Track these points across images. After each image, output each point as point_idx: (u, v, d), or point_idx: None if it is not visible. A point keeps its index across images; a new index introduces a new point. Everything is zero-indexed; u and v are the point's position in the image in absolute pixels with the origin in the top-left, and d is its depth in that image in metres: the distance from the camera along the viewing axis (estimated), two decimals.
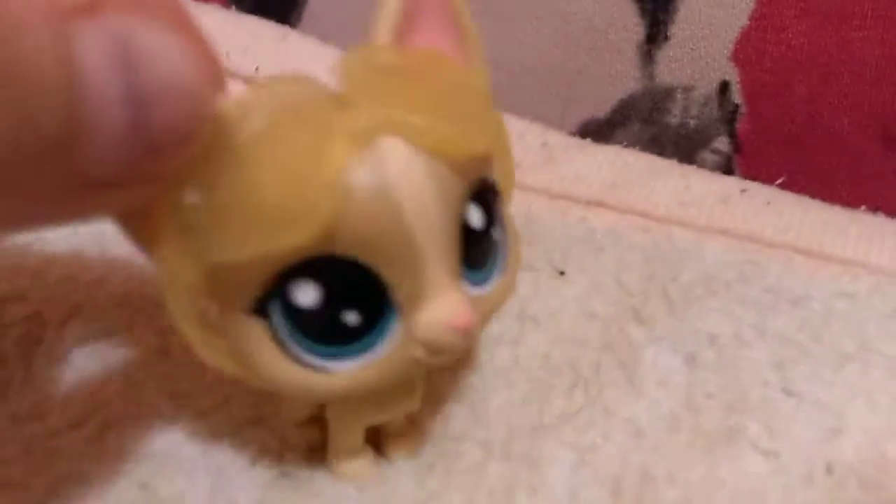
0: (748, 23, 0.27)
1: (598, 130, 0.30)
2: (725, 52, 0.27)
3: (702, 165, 0.29)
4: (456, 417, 0.18)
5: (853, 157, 0.28)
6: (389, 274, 0.14)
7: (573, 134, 0.30)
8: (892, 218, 0.23)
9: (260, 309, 0.14)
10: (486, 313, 0.16)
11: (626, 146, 0.25)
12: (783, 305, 0.20)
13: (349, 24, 0.33)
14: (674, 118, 0.29)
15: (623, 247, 0.22)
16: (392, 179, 0.13)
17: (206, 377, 0.19)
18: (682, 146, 0.29)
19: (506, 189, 0.16)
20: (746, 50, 0.27)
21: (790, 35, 0.27)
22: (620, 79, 0.29)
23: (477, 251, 0.15)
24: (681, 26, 0.27)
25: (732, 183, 0.24)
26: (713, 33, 0.27)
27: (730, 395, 0.18)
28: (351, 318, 0.14)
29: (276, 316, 0.14)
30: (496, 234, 0.15)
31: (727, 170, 0.29)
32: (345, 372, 0.14)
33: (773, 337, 0.19)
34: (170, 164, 0.13)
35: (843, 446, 0.18)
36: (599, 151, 0.25)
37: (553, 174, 0.24)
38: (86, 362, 0.19)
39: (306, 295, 0.14)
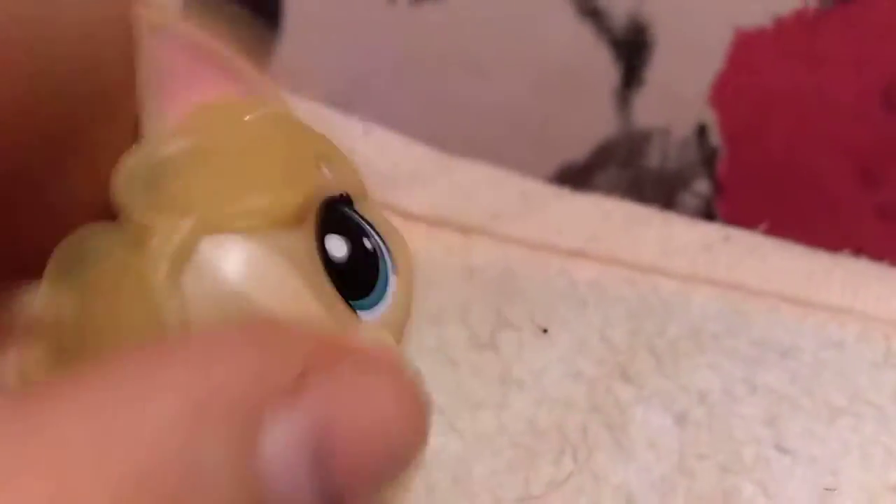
0: (724, 66, 0.27)
1: (577, 175, 0.29)
2: (702, 95, 0.27)
3: (682, 208, 0.29)
4: (439, 488, 0.18)
5: (832, 197, 0.28)
6: None
7: (551, 178, 0.30)
8: (875, 262, 0.23)
9: None
10: (399, 324, 0.14)
11: (605, 192, 0.25)
12: (772, 357, 0.20)
13: (320, 73, 0.32)
14: (652, 161, 0.28)
15: (607, 301, 0.21)
16: (229, 276, 0.12)
17: None
18: (662, 189, 0.29)
19: (359, 190, 0.15)
20: (724, 92, 0.27)
21: (766, 78, 0.27)
22: (597, 123, 0.28)
23: (357, 274, 0.14)
24: (655, 70, 0.27)
25: (715, 230, 0.23)
26: (688, 76, 0.27)
27: (723, 456, 0.18)
28: None
29: None
30: (367, 243, 0.14)
31: (708, 212, 0.29)
32: None
33: (764, 391, 0.19)
34: None
35: None
36: (578, 200, 0.24)
37: (532, 224, 0.23)
38: None
39: None
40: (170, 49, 0.13)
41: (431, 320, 0.21)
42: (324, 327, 0.12)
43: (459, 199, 0.24)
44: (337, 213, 0.14)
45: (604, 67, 0.28)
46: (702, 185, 0.28)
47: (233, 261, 0.12)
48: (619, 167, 0.29)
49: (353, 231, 0.14)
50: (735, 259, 0.22)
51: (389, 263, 0.14)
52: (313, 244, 0.13)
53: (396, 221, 0.16)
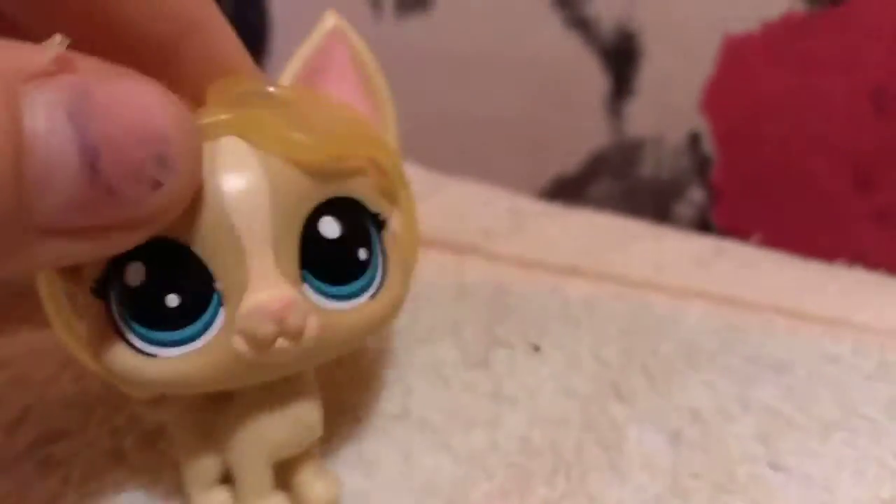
0: (714, 72, 0.27)
1: (571, 185, 0.29)
2: (693, 102, 0.27)
3: (677, 216, 0.29)
4: None
5: (827, 201, 0.28)
6: (214, 263, 0.14)
7: (545, 190, 0.30)
8: (871, 270, 0.23)
9: (100, 290, 0.15)
10: (345, 332, 0.15)
11: (600, 203, 0.25)
12: (766, 374, 0.20)
13: None
14: (646, 170, 0.28)
15: (600, 318, 0.21)
16: (220, 173, 0.14)
17: (163, 480, 0.18)
18: (657, 198, 0.28)
19: (408, 252, 0.17)
20: (714, 100, 0.27)
21: (757, 83, 0.27)
22: (589, 133, 0.28)
23: (330, 262, 0.15)
24: (646, 79, 0.27)
25: (707, 243, 0.23)
26: (679, 84, 0.27)
27: (717, 475, 0.18)
28: (172, 300, 0.14)
29: (114, 297, 0.15)
30: (363, 255, 0.16)
31: (703, 220, 0.29)
32: (170, 359, 0.15)
33: (758, 408, 0.19)
34: (140, 208, 0.13)
35: None
36: (570, 216, 0.24)
37: (524, 242, 0.23)
38: (37, 468, 0.18)
39: (136, 275, 0.14)
40: (335, 46, 0.17)
41: (424, 339, 0.21)
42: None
43: (451, 218, 0.24)
44: (351, 214, 0.16)
45: (594, 77, 0.27)
46: (696, 193, 0.28)
47: (229, 157, 0.14)
48: (612, 178, 0.29)
49: (353, 235, 0.16)
50: (728, 272, 0.22)
51: (371, 287, 0.16)
52: (312, 205, 0.15)
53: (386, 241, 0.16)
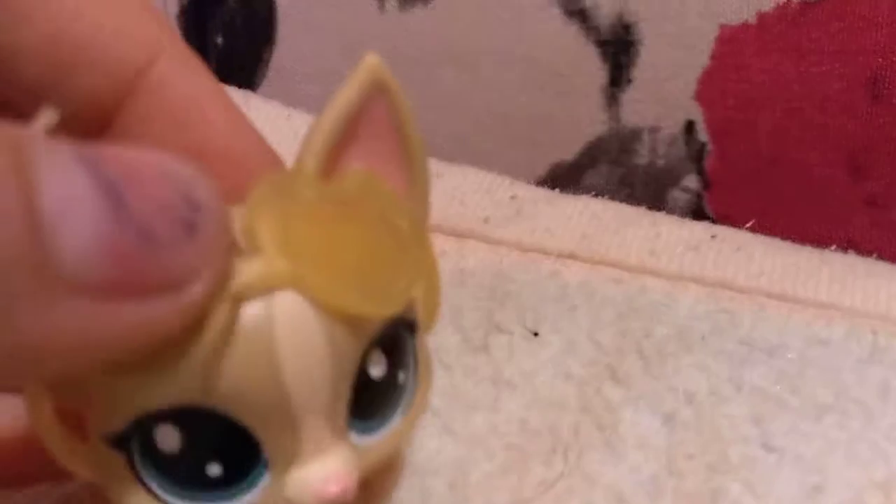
0: (709, 62, 0.27)
1: (568, 173, 0.29)
2: (689, 91, 0.27)
3: (673, 204, 0.29)
4: (435, 493, 0.18)
5: (821, 188, 0.28)
6: (262, 431, 0.13)
7: (543, 177, 0.30)
8: (863, 255, 0.23)
9: (119, 443, 0.13)
10: (376, 462, 0.14)
11: (595, 193, 0.25)
12: (758, 356, 0.20)
13: (314, 79, 0.32)
14: (642, 158, 0.29)
15: (596, 303, 0.21)
16: (277, 338, 0.12)
17: None
18: (652, 185, 0.29)
19: (428, 320, 0.15)
20: (709, 89, 0.27)
21: (751, 72, 0.27)
22: (587, 122, 0.29)
23: (374, 400, 0.14)
24: (642, 69, 0.27)
25: (702, 229, 0.23)
26: (675, 74, 0.27)
27: (710, 455, 0.18)
28: (214, 470, 0.13)
29: (137, 454, 0.13)
30: (401, 377, 0.14)
31: (698, 206, 0.29)
32: None
33: (750, 390, 0.19)
34: (179, 257, 0.11)
35: (826, 502, 0.17)
36: (569, 202, 0.24)
37: (523, 227, 0.24)
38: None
39: (167, 440, 0.13)
40: (374, 104, 0.14)
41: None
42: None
43: (451, 204, 0.24)
44: (397, 338, 0.14)
45: (591, 67, 0.28)
46: (691, 181, 0.29)
47: (286, 320, 0.12)
48: (609, 165, 0.29)
49: (396, 361, 0.14)
50: (722, 257, 0.23)
51: (404, 404, 0.15)
52: (366, 348, 0.13)
53: None
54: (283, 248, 0.12)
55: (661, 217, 0.24)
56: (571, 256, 0.23)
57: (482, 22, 0.29)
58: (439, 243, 0.23)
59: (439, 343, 0.21)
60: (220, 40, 0.33)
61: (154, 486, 0.13)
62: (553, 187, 0.26)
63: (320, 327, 0.13)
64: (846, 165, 0.27)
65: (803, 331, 0.21)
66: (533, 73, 0.29)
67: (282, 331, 0.12)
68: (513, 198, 0.25)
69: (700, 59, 0.27)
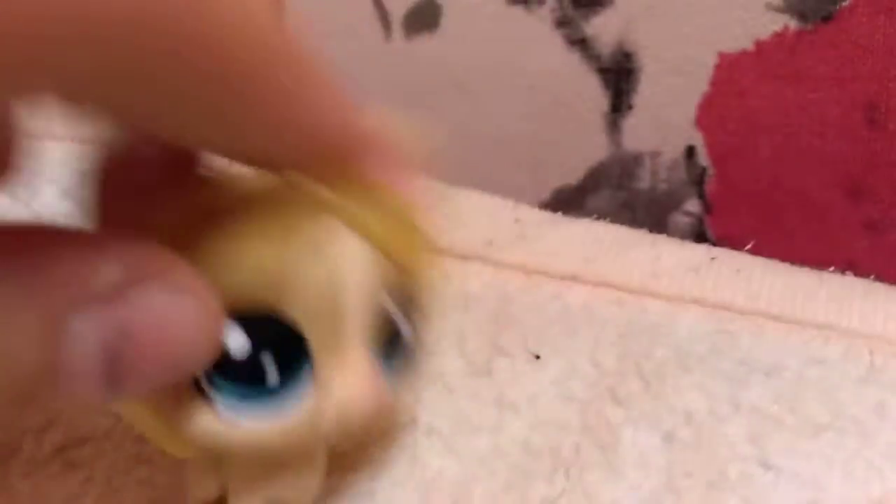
0: (709, 89, 0.28)
1: (571, 197, 0.30)
2: (689, 117, 0.28)
3: (675, 227, 0.30)
4: None
5: (820, 212, 0.28)
6: (313, 337, 0.15)
7: (547, 202, 0.31)
8: (862, 277, 0.24)
9: None
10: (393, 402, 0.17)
11: (598, 217, 0.26)
12: (756, 377, 0.20)
13: (332, 61, 0.33)
14: (644, 183, 0.29)
15: (597, 325, 0.22)
16: (331, 250, 0.15)
17: (186, 479, 0.19)
18: (654, 210, 0.29)
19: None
20: (709, 115, 0.28)
21: (750, 99, 0.27)
22: (589, 147, 0.29)
23: (391, 337, 0.16)
24: (643, 95, 0.28)
25: (702, 251, 0.24)
26: (675, 100, 0.28)
27: (709, 473, 0.19)
28: (272, 377, 0.14)
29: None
30: (405, 331, 0.17)
31: (700, 230, 0.29)
32: (255, 430, 0.15)
33: (749, 410, 0.20)
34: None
35: None
36: (571, 225, 0.25)
37: (527, 250, 0.24)
38: (64, 470, 0.19)
39: (239, 346, 0.14)
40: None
41: (431, 351, 0.22)
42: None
43: (455, 227, 0.25)
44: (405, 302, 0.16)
45: (593, 94, 0.28)
46: (693, 205, 0.29)
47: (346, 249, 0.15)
48: (611, 189, 0.30)
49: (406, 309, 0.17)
50: (722, 279, 0.23)
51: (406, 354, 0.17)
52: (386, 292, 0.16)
53: None
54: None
55: (661, 240, 0.24)
56: (574, 279, 0.24)
57: (487, 51, 0.30)
58: (444, 266, 0.24)
59: (443, 367, 0.21)
60: None
61: (212, 392, 0.14)
62: (556, 211, 0.26)
63: (365, 250, 0.15)
64: (844, 189, 0.28)
65: (801, 351, 0.21)
66: (536, 100, 0.29)
67: (333, 243, 0.15)
68: (516, 221, 0.25)
69: (699, 85, 0.27)
